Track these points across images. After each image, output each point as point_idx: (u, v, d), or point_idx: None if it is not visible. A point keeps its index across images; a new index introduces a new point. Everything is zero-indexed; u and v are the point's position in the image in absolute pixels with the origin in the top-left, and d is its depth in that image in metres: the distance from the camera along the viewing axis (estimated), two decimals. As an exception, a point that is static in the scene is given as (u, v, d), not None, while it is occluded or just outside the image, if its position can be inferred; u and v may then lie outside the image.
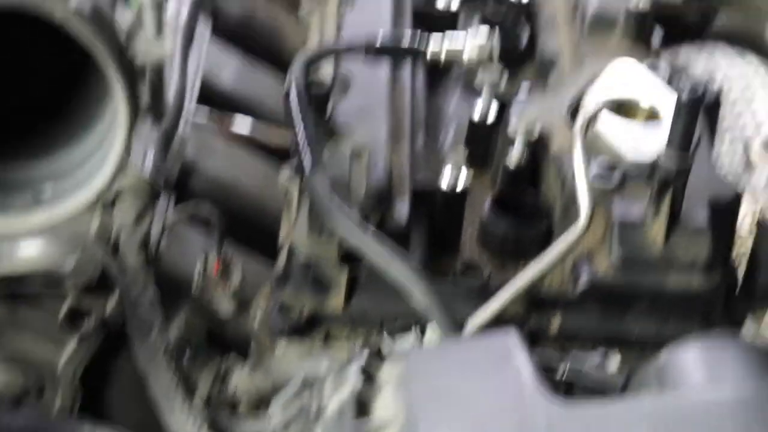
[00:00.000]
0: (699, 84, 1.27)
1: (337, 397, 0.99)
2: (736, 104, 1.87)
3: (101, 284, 1.38)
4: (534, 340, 1.34)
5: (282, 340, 1.33)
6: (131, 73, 0.95)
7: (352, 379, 0.98)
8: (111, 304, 1.39)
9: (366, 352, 1.01)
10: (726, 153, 1.80)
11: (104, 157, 0.98)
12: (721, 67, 1.95)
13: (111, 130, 0.97)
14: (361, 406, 0.97)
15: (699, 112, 1.28)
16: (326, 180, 1.30)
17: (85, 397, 1.43)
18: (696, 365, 0.96)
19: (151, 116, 0.97)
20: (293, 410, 1.01)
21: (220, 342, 1.44)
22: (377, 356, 1.02)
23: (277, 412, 1.02)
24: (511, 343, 0.99)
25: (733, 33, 2.28)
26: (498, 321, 1.26)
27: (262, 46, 1.91)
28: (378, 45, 1.44)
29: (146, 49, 0.95)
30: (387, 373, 1.00)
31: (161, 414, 1.25)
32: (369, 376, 0.99)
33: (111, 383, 1.47)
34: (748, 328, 1.37)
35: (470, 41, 1.47)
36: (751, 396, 0.91)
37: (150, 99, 0.97)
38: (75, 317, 1.40)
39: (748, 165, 1.75)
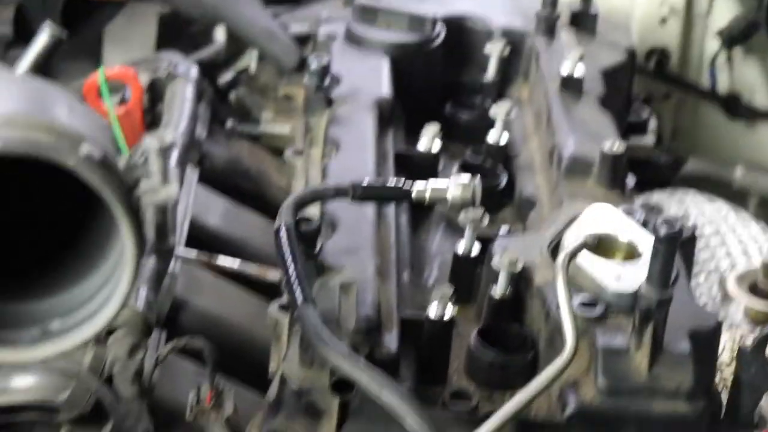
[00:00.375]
0: (675, 220, 1.33)
1: None
2: (709, 244, 1.93)
3: (95, 415, 1.40)
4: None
5: (275, 467, 1.34)
6: (137, 215, 1.00)
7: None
8: (105, 433, 1.40)
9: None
10: (701, 287, 1.85)
11: (111, 292, 1.02)
12: (691, 212, 2.02)
13: (117, 268, 1.01)
14: None
15: (677, 246, 1.34)
16: (316, 313, 1.33)
17: None
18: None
19: (155, 255, 1.01)
20: None
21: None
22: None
23: None
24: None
25: (702, 179, 2.37)
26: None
27: (248, 190, 1.96)
28: (365, 187, 1.48)
29: (152, 191, 0.99)
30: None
31: None
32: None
33: None
34: (732, 454, 1.40)
35: (454, 184, 1.52)
36: None
37: (155, 239, 1.01)
38: (68, 448, 1.41)
39: (725, 298, 1.80)
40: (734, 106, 2.45)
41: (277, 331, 1.54)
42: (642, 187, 2.12)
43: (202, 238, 1.81)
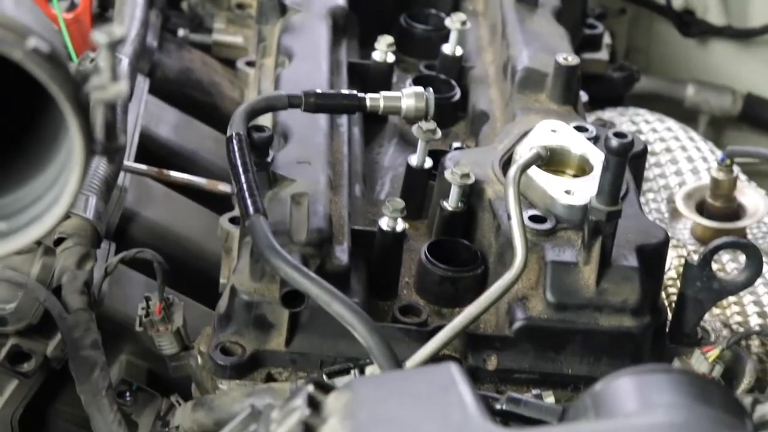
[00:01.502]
0: (626, 133, 1.33)
1: (285, 426, 1.00)
2: (659, 162, 1.94)
3: (43, 326, 1.39)
4: (472, 379, 1.37)
5: (224, 380, 1.34)
6: (86, 112, 0.98)
7: (299, 408, 1.00)
8: (52, 345, 1.40)
9: (312, 383, 1.03)
10: (651, 204, 1.87)
11: (59, 194, 1.00)
12: (642, 129, 2.03)
13: (65, 168, 0.99)
14: (309, 434, 0.99)
15: (627, 160, 1.34)
16: (267, 224, 1.32)
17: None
18: (630, 393, 1.00)
19: (105, 157, 0.99)
20: (240, 439, 1.03)
21: (162, 383, 1.46)
22: (322, 388, 1.04)
23: (223, 443, 1.03)
24: (453, 373, 1.02)
25: (654, 96, 2.37)
26: (436, 361, 1.29)
27: (200, 101, 1.94)
28: (318, 96, 1.47)
29: (101, 87, 0.97)
30: (333, 403, 1.02)
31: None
32: (315, 405, 1.02)
33: (50, 426, 1.47)
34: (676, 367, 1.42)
35: (407, 94, 1.51)
36: (683, 419, 0.95)
37: (105, 138, 0.99)
38: (16, 358, 1.41)
39: (674, 215, 1.81)
40: (688, 23, 2.45)
41: (228, 244, 1.54)
42: (595, 103, 2.13)
43: (152, 149, 1.79)
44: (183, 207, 1.72)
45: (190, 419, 1.32)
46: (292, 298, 1.32)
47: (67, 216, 1.40)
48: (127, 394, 1.42)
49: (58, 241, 1.41)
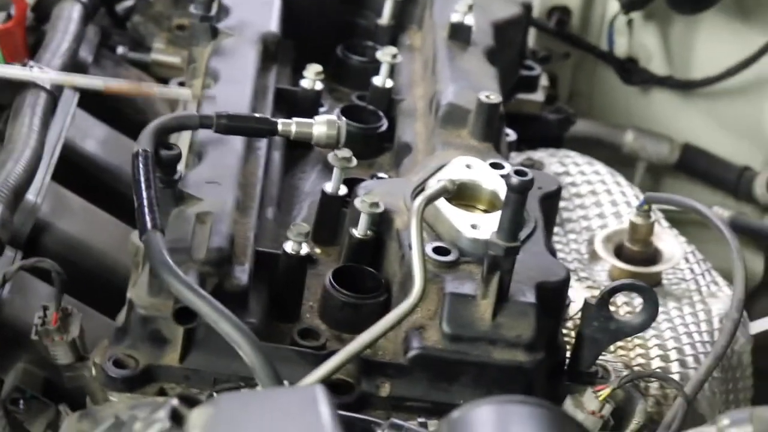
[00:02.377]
0: (526, 171, 1.34)
1: (146, 436, 1.01)
2: (584, 204, 1.96)
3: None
4: (364, 405, 1.38)
5: (115, 392, 1.35)
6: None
7: (161, 420, 1.01)
8: (-53, 350, 1.40)
9: (177, 397, 1.04)
10: (571, 245, 1.88)
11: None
12: (571, 171, 2.05)
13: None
14: (169, 447, 0.99)
15: (525, 199, 1.35)
16: (163, 240, 1.33)
17: None
18: (487, 422, 1.01)
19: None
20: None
21: (56, 392, 1.46)
22: (188, 401, 1.04)
23: (88, 451, 1.04)
24: (317, 394, 1.03)
25: (593, 140, 2.40)
26: (330, 384, 1.30)
27: (132, 118, 1.95)
28: (230, 117, 1.48)
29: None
30: (196, 417, 1.02)
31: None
32: (178, 419, 1.02)
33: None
34: (567, 405, 1.42)
35: (319, 121, 1.53)
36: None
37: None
38: None
39: (592, 256, 1.83)
40: (630, 71, 2.48)
41: (137, 259, 1.55)
42: (531, 144, 2.15)
43: (76, 162, 1.80)
44: (99, 220, 1.72)
45: (75, 429, 1.32)
46: (184, 314, 1.33)
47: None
48: (21, 401, 1.42)
49: (-43, 247, 1.41)
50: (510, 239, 1.37)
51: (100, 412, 1.31)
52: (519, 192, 1.34)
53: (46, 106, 1.62)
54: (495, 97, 1.69)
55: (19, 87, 1.65)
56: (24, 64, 1.69)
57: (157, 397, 1.33)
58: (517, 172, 1.34)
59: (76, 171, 1.76)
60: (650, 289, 1.42)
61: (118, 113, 1.95)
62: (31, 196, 1.57)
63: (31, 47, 1.84)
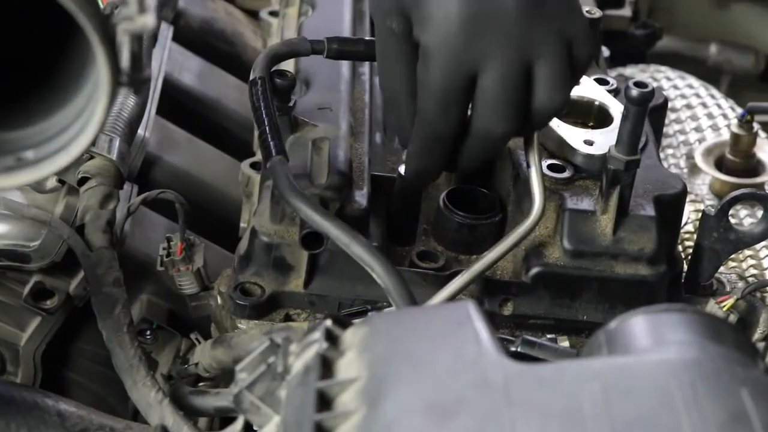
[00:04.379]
0: (646, 83, 1.33)
1: (302, 358, 1.02)
2: (680, 118, 1.94)
3: (66, 264, 1.41)
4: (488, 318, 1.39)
5: (243, 320, 1.36)
6: (113, 42, 0.99)
7: (318, 341, 1.02)
8: (75, 283, 1.42)
9: (330, 319, 1.05)
10: (670, 160, 1.87)
11: (85, 123, 1.01)
12: (664, 86, 2.03)
13: (92, 98, 1.01)
14: (327, 367, 1.00)
15: (647, 109, 1.35)
16: (288, 167, 1.34)
17: (46, 375, 1.46)
18: (644, 331, 1.01)
19: (131, 88, 1.01)
20: (258, 371, 1.04)
21: (181, 322, 1.48)
22: (340, 323, 1.05)
23: (242, 374, 1.05)
24: (470, 311, 1.03)
25: (676, 55, 2.37)
26: (453, 305, 1.31)
27: (223, 51, 1.95)
28: (341, 41, 1.48)
29: (128, 18, 0.99)
30: (351, 337, 1.03)
31: (125, 388, 1.28)
32: (333, 339, 1.03)
33: (71, 363, 1.50)
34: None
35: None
36: (695, 356, 0.96)
37: (130, 69, 1.00)
38: (39, 295, 1.43)
39: (692, 171, 1.82)
40: (711, -18, 2.44)
41: (249, 189, 1.56)
42: (616, 60, 2.13)
43: (175, 96, 1.81)
44: (205, 152, 1.73)
45: (209, 356, 1.34)
46: (312, 240, 1.34)
47: (90, 156, 1.42)
48: (148, 332, 1.44)
49: (82, 181, 1.42)
50: (630, 152, 1.36)
51: (233, 339, 1.33)
52: (639, 104, 1.33)
53: (149, 38, 1.62)
54: (596, 12, 1.67)
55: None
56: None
57: (291, 323, 1.34)
58: (637, 84, 1.33)
59: (176, 104, 1.77)
60: (771, 198, 1.42)
61: (207, 46, 1.95)
62: (140, 130, 1.58)
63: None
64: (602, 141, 1.45)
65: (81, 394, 1.47)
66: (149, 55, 1.16)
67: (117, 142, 1.46)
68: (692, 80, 2.01)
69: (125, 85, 1.00)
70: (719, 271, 1.48)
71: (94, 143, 1.31)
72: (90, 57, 1.00)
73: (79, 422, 1.26)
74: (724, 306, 1.41)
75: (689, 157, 1.84)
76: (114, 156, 1.44)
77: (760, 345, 1.05)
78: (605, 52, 1.87)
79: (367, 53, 1.50)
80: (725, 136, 1.86)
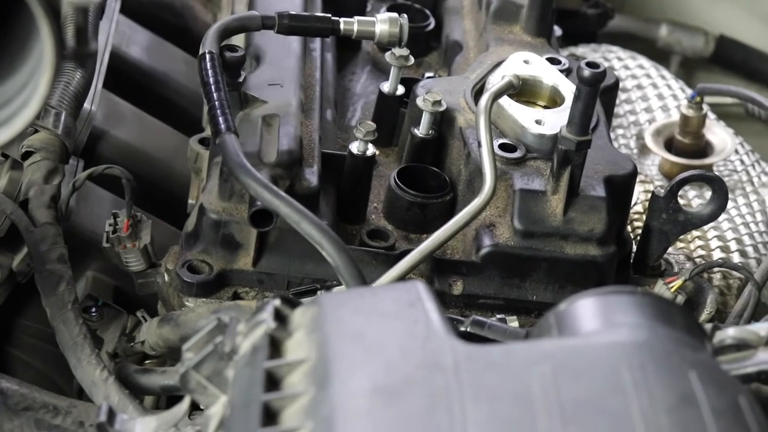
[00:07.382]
0: (599, 64, 1.33)
1: (250, 338, 1.01)
2: (630, 98, 1.95)
3: (9, 240, 1.39)
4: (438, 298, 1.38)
5: (190, 297, 1.35)
6: (57, 16, 0.97)
7: (266, 320, 1.01)
8: (18, 259, 1.40)
9: (279, 298, 1.04)
10: (620, 140, 1.87)
11: (29, 97, 0.99)
12: (615, 66, 2.03)
13: (36, 72, 0.99)
14: (275, 347, 0.99)
15: (598, 90, 1.34)
16: (238, 142, 1.32)
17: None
18: (593, 313, 1.01)
19: (74, 61, 0.99)
20: (206, 351, 1.03)
21: (128, 300, 1.46)
22: (289, 302, 1.04)
23: (188, 353, 1.04)
24: (419, 290, 1.03)
25: (627, 35, 2.37)
26: (402, 285, 1.30)
27: (172, 24, 1.92)
28: (292, 17, 1.46)
29: (72, -8, 0.97)
30: (299, 317, 1.02)
31: (70, 366, 1.26)
32: (282, 319, 1.02)
33: (14, 340, 1.47)
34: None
35: (381, 19, 1.51)
36: (645, 339, 0.96)
37: (75, 42, 0.98)
38: (-19, 271, 1.40)
39: (642, 151, 1.82)
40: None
41: (197, 165, 1.54)
42: (568, 39, 2.12)
43: (123, 70, 1.78)
44: (152, 127, 1.71)
45: (155, 334, 1.33)
46: (261, 217, 1.32)
47: (35, 130, 1.39)
48: (93, 309, 1.42)
49: (26, 155, 1.40)
50: (582, 133, 1.36)
51: (180, 317, 1.32)
52: (591, 84, 1.33)
53: (96, 11, 1.60)
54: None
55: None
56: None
57: (239, 301, 1.33)
58: (589, 64, 1.32)
59: (124, 78, 1.74)
60: (720, 179, 1.42)
61: (156, 18, 1.93)
62: (86, 104, 1.55)
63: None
64: (553, 121, 1.44)
65: (24, 372, 1.45)
66: (96, 29, 1.14)
67: (63, 116, 1.43)
68: (643, 60, 2.02)
69: (70, 58, 0.98)
70: (668, 251, 1.49)
71: (38, 117, 1.28)
72: (34, 29, 0.98)
73: (22, 400, 1.24)
74: (672, 287, 1.41)
75: (639, 137, 1.85)
76: (59, 130, 1.41)
77: (707, 326, 1.05)
78: (557, 31, 1.86)
79: (318, 29, 1.48)
80: (675, 116, 1.86)
